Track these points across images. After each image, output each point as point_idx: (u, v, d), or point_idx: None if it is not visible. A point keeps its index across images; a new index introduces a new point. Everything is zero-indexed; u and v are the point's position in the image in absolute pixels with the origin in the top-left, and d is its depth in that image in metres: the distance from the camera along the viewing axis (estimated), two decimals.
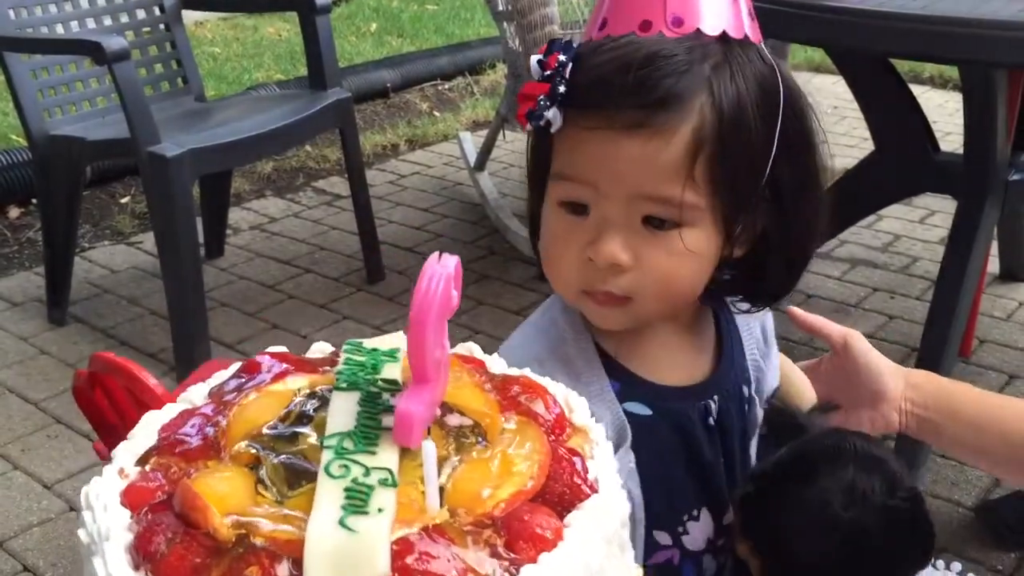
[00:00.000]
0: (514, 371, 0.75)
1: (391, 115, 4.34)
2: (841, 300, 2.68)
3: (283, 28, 5.55)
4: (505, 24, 2.91)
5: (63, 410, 2.27)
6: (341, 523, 0.55)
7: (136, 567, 0.56)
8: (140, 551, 0.57)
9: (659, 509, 0.92)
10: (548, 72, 0.81)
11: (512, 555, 0.57)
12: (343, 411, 0.65)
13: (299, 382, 0.71)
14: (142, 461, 0.65)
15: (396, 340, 0.74)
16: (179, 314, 2.44)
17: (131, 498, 0.61)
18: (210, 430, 0.66)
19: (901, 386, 1.06)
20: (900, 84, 2.16)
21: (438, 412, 0.65)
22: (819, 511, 0.87)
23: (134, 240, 3.20)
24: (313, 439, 0.63)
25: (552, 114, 0.81)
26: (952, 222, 2.04)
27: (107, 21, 2.75)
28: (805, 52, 4.46)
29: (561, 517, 0.60)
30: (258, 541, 0.56)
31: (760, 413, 1.01)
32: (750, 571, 0.95)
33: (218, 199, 3.00)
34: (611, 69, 0.80)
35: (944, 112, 4.02)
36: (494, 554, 0.56)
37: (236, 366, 0.75)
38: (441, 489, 0.60)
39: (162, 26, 2.84)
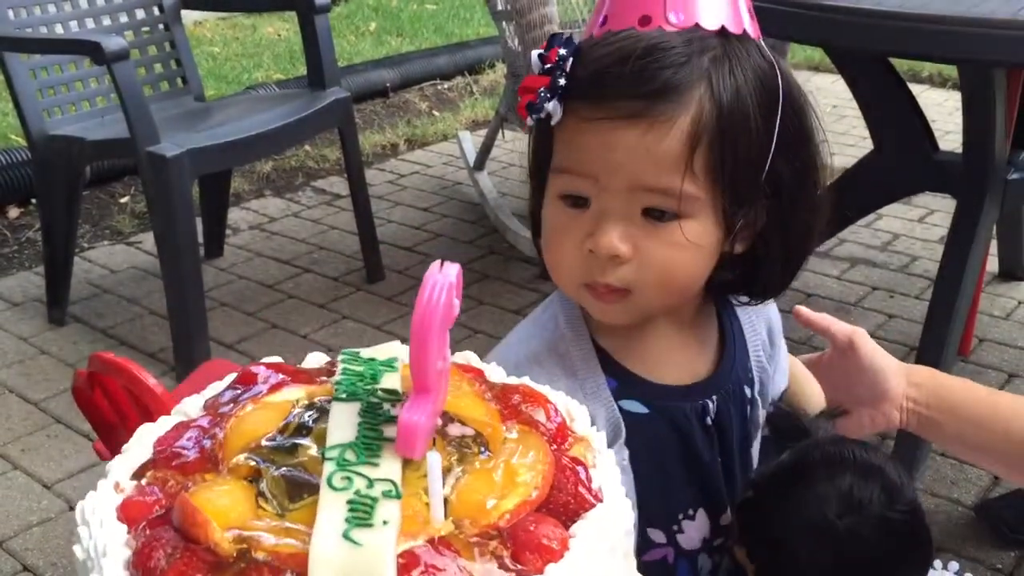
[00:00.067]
0: (513, 380, 0.75)
1: (390, 115, 4.34)
2: (840, 299, 2.68)
3: (282, 28, 5.55)
4: (504, 23, 2.91)
5: (63, 410, 2.27)
6: (345, 536, 0.54)
7: None
8: (139, 567, 0.56)
9: (654, 507, 0.92)
10: (549, 66, 0.82)
11: (519, 566, 0.56)
12: (344, 422, 0.64)
13: (296, 393, 0.70)
14: (138, 475, 0.64)
15: (393, 349, 0.74)
16: (178, 314, 2.44)
17: (128, 513, 0.60)
18: (207, 442, 0.65)
19: (903, 384, 1.06)
20: (899, 83, 2.16)
21: (439, 422, 0.64)
22: (816, 518, 0.87)
23: (134, 240, 3.20)
24: (313, 451, 0.62)
25: (552, 106, 0.82)
26: (951, 221, 2.04)
27: (106, 21, 2.75)
28: (804, 51, 4.46)
29: (566, 527, 0.60)
30: (260, 555, 0.55)
31: (763, 415, 1.01)
32: (746, 573, 0.94)
33: (217, 199, 3.00)
34: (610, 61, 0.81)
35: (943, 111, 4.02)
36: (501, 566, 0.56)
37: (231, 377, 0.74)
38: (445, 500, 0.59)
39: (161, 26, 2.84)
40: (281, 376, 0.72)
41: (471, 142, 3.59)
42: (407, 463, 0.61)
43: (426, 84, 4.65)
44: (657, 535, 0.95)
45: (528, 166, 0.92)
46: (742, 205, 0.84)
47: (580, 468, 0.64)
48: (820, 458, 0.90)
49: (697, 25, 0.82)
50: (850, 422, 1.07)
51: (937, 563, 1.04)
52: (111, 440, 1.28)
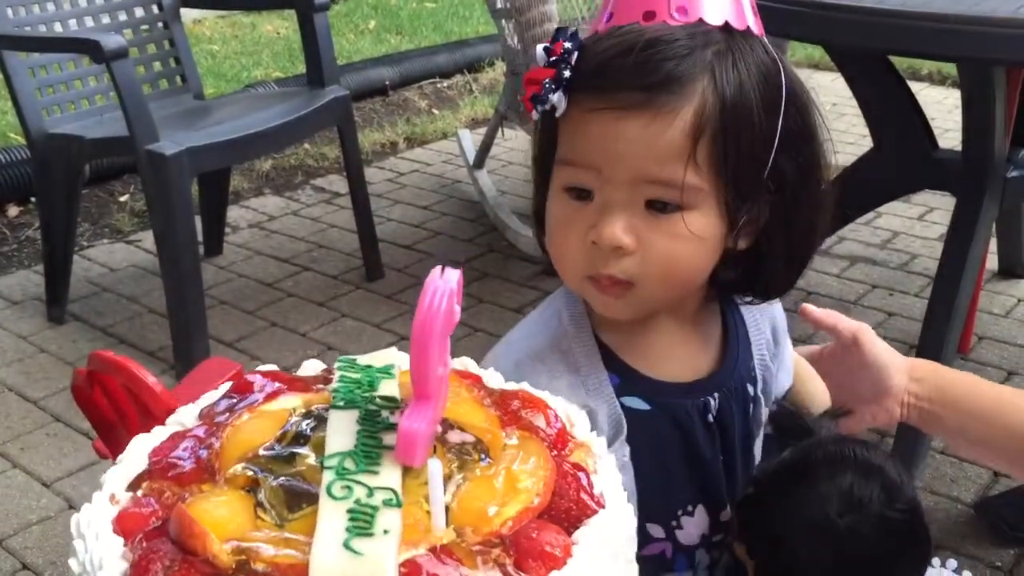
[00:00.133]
0: (512, 385, 0.75)
1: (390, 113, 4.33)
2: (840, 297, 2.69)
3: (281, 26, 5.55)
4: (503, 21, 2.91)
5: (62, 408, 2.27)
6: (346, 546, 0.54)
7: None
8: None
9: (653, 502, 0.92)
10: (554, 58, 0.82)
11: (522, 574, 0.56)
12: (342, 430, 0.63)
13: (293, 401, 0.70)
14: (133, 486, 0.63)
15: (390, 356, 0.73)
16: (178, 312, 2.44)
17: (124, 525, 0.59)
18: (203, 453, 0.64)
19: (905, 380, 1.06)
20: (899, 81, 2.16)
21: (439, 429, 0.64)
22: (816, 516, 0.87)
23: (133, 238, 3.20)
24: (312, 460, 0.62)
25: (557, 98, 0.82)
26: (951, 219, 2.04)
27: (105, 19, 2.74)
28: (804, 49, 4.46)
29: (568, 534, 0.59)
30: (260, 567, 0.55)
31: (765, 413, 1.01)
32: (745, 569, 0.95)
33: (217, 197, 3.00)
34: (614, 53, 0.81)
35: (943, 109, 4.02)
36: (504, 574, 0.56)
37: (226, 386, 0.74)
38: (446, 508, 0.59)
39: (160, 24, 2.84)
40: (277, 384, 0.72)
41: (470, 140, 3.59)
42: (407, 471, 0.60)
43: (425, 82, 4.65)
44: (656, 530, 0.95)
45: (532, 160, 0.92)
46: (745, 200, 0.85)
47: (581, 474, 0.64)
48: (821, 457, 0.90)
49: (701, 20, 0.82)
50: (851, 418, 1.07)
51: (936, 560, 1.04)
52: (110, 439, 1.28)
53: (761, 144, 0.83)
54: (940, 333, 1.96)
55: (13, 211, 3.34)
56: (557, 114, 0.84)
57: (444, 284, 0.61)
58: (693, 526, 0.96)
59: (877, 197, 2.44)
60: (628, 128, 0.81)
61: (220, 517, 0.58)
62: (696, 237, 0.83)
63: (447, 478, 0.61)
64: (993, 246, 2.55)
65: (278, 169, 3.70)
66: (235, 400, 0.71)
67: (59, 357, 2.52)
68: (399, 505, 0.57)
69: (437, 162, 3.82)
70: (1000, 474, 1.99)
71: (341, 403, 0.66)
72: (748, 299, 0.97)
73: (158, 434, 0.69)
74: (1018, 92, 2.01)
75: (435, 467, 0.59)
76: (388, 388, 0.69)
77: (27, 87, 2.52)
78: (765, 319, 1.02)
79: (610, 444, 0.89)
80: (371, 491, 0.58)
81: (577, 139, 0.84)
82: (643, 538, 0.94)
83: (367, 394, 0.67)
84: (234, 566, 0.55)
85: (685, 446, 0.94)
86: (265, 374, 0.74)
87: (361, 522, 0.56)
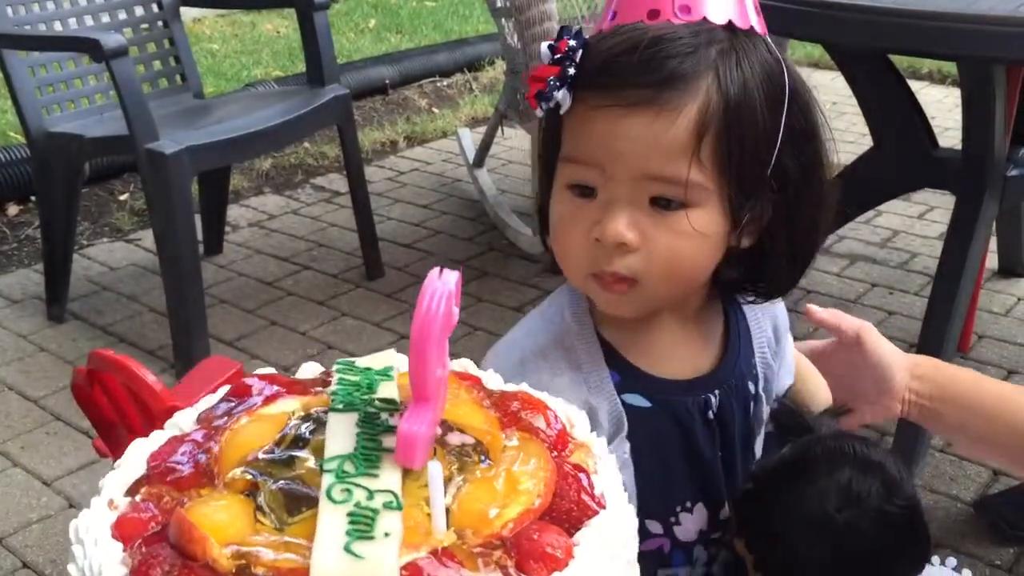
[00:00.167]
0: (511, 387, 0.74)
1: (390, 112, 4.33)
2: (840, 296, 2.69)
3: (281, 25, 5.55)
4: (503, 20, 2.91)
5: (62, 407, 2.27)
6: (347, 549, 0.54)
7: None
8: None
9: (652, 499, 0.92)
10: (558, 56, 0.83)
11: None
12: (341, 433, 0.63)
13: (291, 404, 0.69)
14: (132, 491, 0.63)
15: (388, 358, 0.73)
16: (178, 311, 2.44)
17: (123, 531, 0.59)
18: (202, 457, 0.64)
19: (906, 377, 1.06)
20: (899, 80, 2.16)
21: (438, 431, 0.63)
22: (814, 511, 0.87)
23: (133, 237, 3.20)
24: (311, 463, 0.62)
25: (561, 95, 0.83)
26: (951, 217, 2.04)
27: (105, 18, 2.74)
28: (804, 48, 4.46)
29: (569, 535, 0.59)
30: (260, 571, 0.55)
31: (766, 411, 1.02)
32: (744, 564, 0.95)
33: (217, 196, 3.00)
34: (619, 51, 0.82)
35: (943, 108, 4.02)
36: (506, 575, 0.56)
37: (224, 389, 0.74)
38: (446, 510, 0.59)
39: (160, 23, 2.84)
40: (276, 387, 0.72)
41: (470, 139, 3.59)
42: (407, 473, 0.60)
43: (425, 81, 4.65)
44: (654, 526, 0.95)
45: (536, 158, 0.93)
46: (749, 197, 0.85)
47: (582, 475, 0.64)
48: (820, 453, 0.91)
49: (705, 19, 0.83)
50: (851, 416, 1.07)
51: (935, 559, 1.04)
52: (110, 437, 1.28)
53: (764, 142, 0.84)
54: (940, 332, 1.96)
55: (13, 210, 3.34)
56: (561, 111, 0.84)
57: (442, 286, 0.60)
58: (691, 522, 0.96)
59: (877, 196, 2.44)
60: (632, 125, 0.81)
61: (219, 521, 0.57)
62: (700, 234, 0.84)
63: (447, 480, 0.60)
64: (993, 245, 2.55)
65: (278, 168, 3.70)
66: (233, 404, 0.70)
67: (59, 356, 2.52)
68: (399, 508, 0.57)
69: (437, 161, 3.82)
70: (1000, 472, 1.99)
71: (340, 406, 0.66)
72: (751, 298, 0.97)
73: (156, 438, 0.68)
74: (1018, 90, 2.01)
75: (435, 469, 0.59)
76: (387, 390, 0.68)
77: (27, 86, 2.52)
78: (767, 317, 1.02)
79: (610, 441, 0.90)
80: (371, 494, 0.58)
81: (581, 136, 0.84)
82: (641, 534, 0.93)
83: (366, 396, 0.67)
84: (234, 570, 0.54)
85: (685, 443, 0.94)
86: (263, 377, 0.73)
87: (362, 525, 0.55)
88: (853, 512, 0.86)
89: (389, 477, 0.59)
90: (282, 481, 0.60)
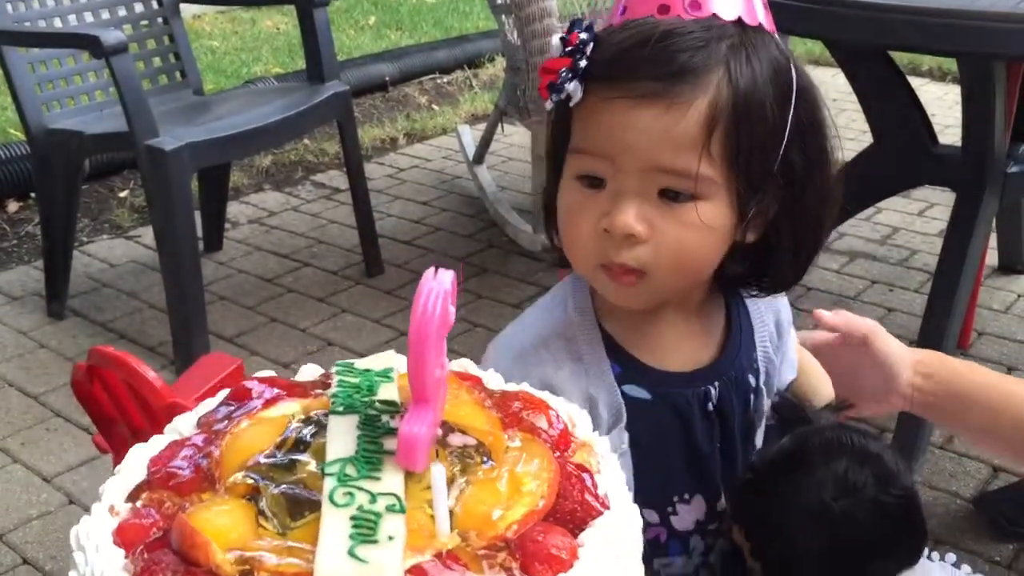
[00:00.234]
0: (512, 386, 0.74)
1: (390, 109, 4.33)
2: (840, 293, 2.69)
3: (281, 21, 5.54)
4: (503, 17, 2.91)
5: (62, 404, 2.27)
6: (351, 553, 0.53)
7: None
8: None
9: (650, 489, 0.93)
10: (570, 48, 0.84)
11: None
12: (342, 436, 0.63)
13: (291, 407, 0.69)
14: (132, 497, 0.62)
15: (388, 359, 0.73)
16: (178, 308, 2.44)
17: (124, 537, 0.58)
18: (202, 461, 0.64)
19: (911, 375, 1.07)
20: (899, 77, 2.16)
21: (439, 432, 0.63)
22: (811, 500, 0.88)
23: (133, 234, 3.20)
24: (312, 466, 0.61)
25: (572, 87, 0.83)
26: (950, 214, 2.04)
27: (105, 15, 2.74)
28: (804, 44, 4.46)
29: (573, 535, 0.59)
30: None
31: (767, 404, 1.02)
32: (742, 554, 0.95)
33: (217, 193, 3.00)
34: (630, 44, 0.83)
35: (943, 105, 4.02)
36: None
37: (224, 393, 0.73)
38: (450, 512, 0.58)
39: (160, 20, 2.84)
40: (275, 390, 0.71)
41: (470, 136, 3.59)
42: (409, 475, 0.60)
43: (425, 78, 4.64)
44: (651, 515, 0.96)
45: (545, 149, 0.94)
46: (756, 191, 0.86)
47: (585, 475, 0.63)
48: (818, 443, 0.92)
49: (715, 15, 0.84)
50: (852, 411, 1.07)
51: (935, 555, 1.04)
52: (110, 433, 1.28)
53: (772, 138, 0.85)
54: (940, 329, 1.96)
55: (13, 207, 3.34)
56: (572, 103, 0.85)
57: (438, 286, 0.60)
58: (688, 513, 0.97)
59: (877, 192, 2.44)
60: (642, 117, 0.82)
61: (222, 526, 0.57)
62: (707, 227, 0.84)
63: (449, 482, 0.60)
64: (993, 242, 2.55)
65: (278, 165, 3.70)
66: (233, 407, 0.70)
67: (59, 353, 2.52)
68: (402, 511, 0.57)
69: (437, 158, 3.82)
70: (999, 469, 1.99)
71: (340, 408, 0.66)
72: (754, 292, 0.98)
73: (156, 443, 0.68)
74: (1018, 87, 2.01)
75: (438, 472, 0.58)
76: (387, 392, 0.68)
77: (27, 82, 2.52)
78: (769, 311, 1.03)
79: (609, 431, 0.91)
80: (374, 497, 0.57)
81: (591, 128, 0.85)
82: None
83: (366, 399, 0.67)
84: None
85: (684, 435, 0.95)
86: (263, 380, 0.73)
87: (365, 529, 0.55)
88: (849, 502, 0.87)
89: (391, 480, 0.59)
90: (284, 485, 0.60)
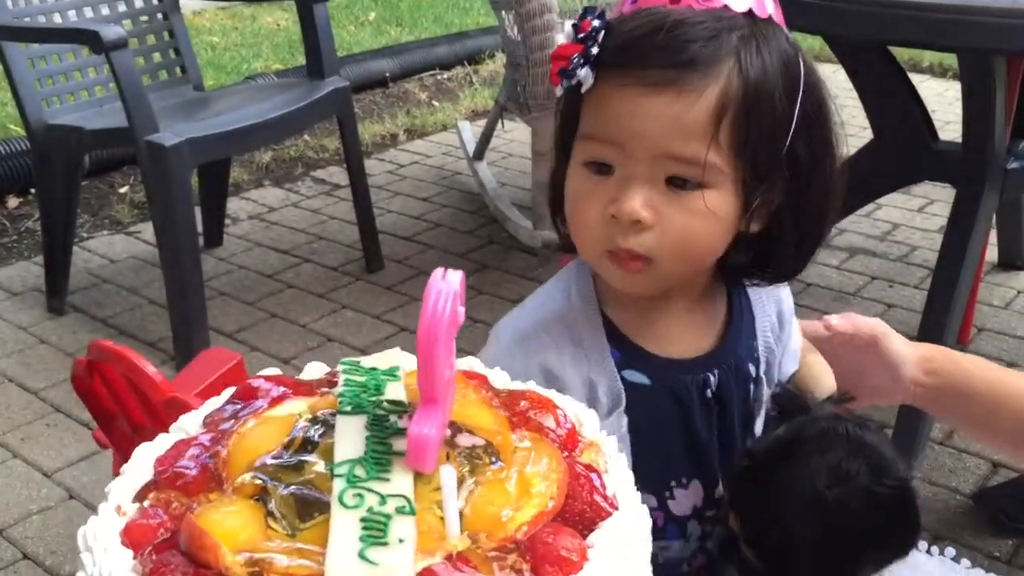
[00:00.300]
0: (518, 385, 0.74)
1: (390, 105, 4.33)
2: (840, 289, 2.69)
3: (281, 17, 5.54)
4: (503, 13, 2.90)
5: (62, 399, 2.27)
6: (361, 556, 0.53)
7: None
8: None
9: (648, 473, 0.93)
10: (581, 35, 0.84)
11: None
12: (351, 436, 0.62)
13: (298, 406, 0.69)
14: (140, 497, 0.62)
15: (394, 357, 0.73)
16: (178, 303, 2.44)
17: (132, 537, 0.58)
18: (209, 461, 0.63)
19: (916, 372, 1.07)
20: (899, 73, 2.16)
21: (448, 432, 0.63)
22: (805, 489, 0.88)
23: (133, 230, 3.20)
24: (320, 467, 0.61)
25: (584, 73, 0.84)
26: (951, 210, 2.04)
27: (104, 10, 2.74)
28: (805, 40, 4.45)
29: (583, 536, 0.59)
30: None
31: (767, 393, 1.03)
32: (739, 540, 0.96)
33: (217, 188, 3.00)
34: (641, 32, 0.83)
35: (943, 101, 4.01)
36: None
37: (229, 391, 0.73)
38: (460, 513, 0.58)
39: (160, 15, 2.84)
40: (282, 388, 0.71)
41: (471, 132, 3.59)
42: (418, 476, 0.60)
43: (425, 74, 4.64)
44: (648, 499, 0.97)
45: (553, 136, 0.95)
46: (761, 181, 0.87)
47: (594, 475, 0.63)
48: (814, 433, 0.92)
49: (725, 7, 0.85)
50: (853, 404, 1.08)
51: (934, 549, 1.04)
52: (110, 428, 1.28)
53: (780, 128, 0.86)
54: (939, 324, 1.96)
55: (13, 202, 3.34)
56: (583, 89, 0.85)
57: (447, 286, 0.60)
58: (686, 498, 0.98)
59: (877, 188, 2.44)
60: (653, 105, 0.82)
61: (231, 528, 0.57)
62: (713, 215, 0.85)
63: (459, 483, 0.60)
64: (993, 238, 2.55)
65: (278, 161, 3.70)
66: (239, 406, 0.70)
67: (59, 348, 2.52)
68: (412, 512, 0.57)
69: (437, 154, 3.82)
70: (999, 464, 2.00)
71: (348, 408, 0.65)
72: (756, 282, 0.99)
73: (162, 442, 0.68)
74: (1018, 83, 2.01)
75: (448, 474, 0.58)
76: (394, 391, 0.68)
77: (27, 78, 2.51)
78: (771, 302, 1.03)
79: (608, 415, 0.92)
80: (383, 499, 0.57)
81: (601, 114, 0.86)
82: None
83: (374, 398, 0.67)
84: None
85: (683, 421, 0.96)
86: (268, 378, 0.73)
87: (375, 531, 0.55)
88: (842, 490, 0.88)
89: (401, 481, 0.59)
90: (292, 486, 0.59)
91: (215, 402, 0.72)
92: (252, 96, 2.80)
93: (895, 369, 1.07)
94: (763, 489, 0.92)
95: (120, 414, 1.24)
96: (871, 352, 1.08)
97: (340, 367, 0.72)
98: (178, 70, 2.86)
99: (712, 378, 0.96)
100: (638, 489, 0.64)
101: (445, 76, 4.66)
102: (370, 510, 0.56)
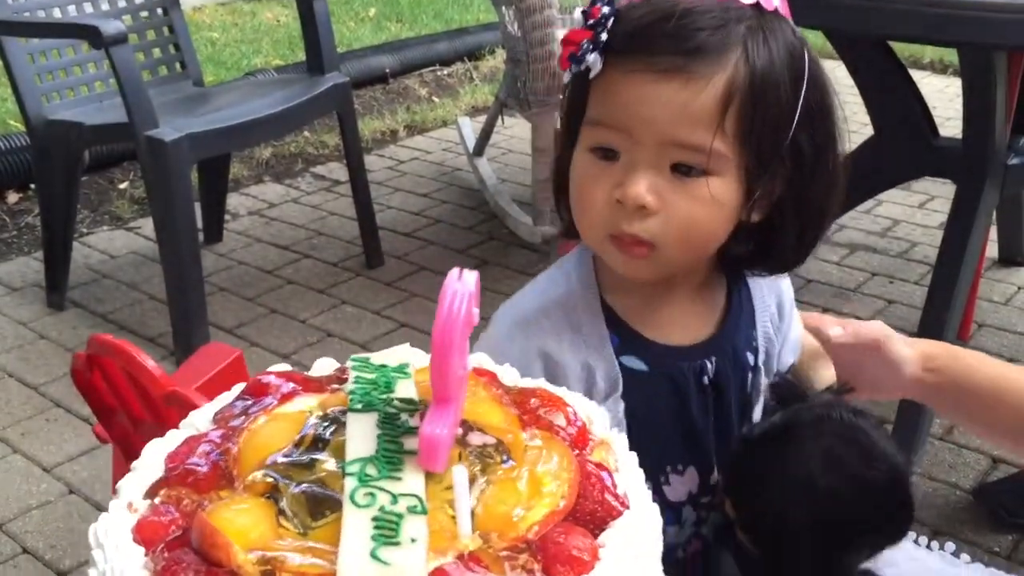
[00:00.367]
0: (528, 382, 0.74)
1: (390, 101, 4.33)
2: (840, 285, 2.68)
3: (281, 13, 5.54)
4: (504, 9, 2.90)
5: (62, 394, 2.27)
6: (373, 555, 0.53)
7: None
8: None
9: (643, 458, 0.94)
10: (591, 22, 0.85)
11: None
12: (362, 435, 0.62)
13: (308, 403, 0.68)
14: (151, 494, 0.62)
15: (403, 354, 0.72)
16: (178, 299, 2.44)
17: (144, 534, 0.58)
18: (220, 458, 0.63)
19: (918, 371, 1.07)
20: (900, 69, 2.16)
21: (459, 431, 0.63)
22: (798, 475, 0.89)
23: (133, 225, 3.20)
24: (331, 465, 0.61)
25: (593, 58, 0.85)
26: (951, 206, 2.04)
27: (104, 5, 2.74)
28: (806, 36, 4.46)
29: (594, 536, 0.59)
30: None
31: (764, 383, 1.03)
32: (734, 526, 0.96)
33: (216, 184, 3.00)
34: (651, 20, 0.84)
35: (944, 97, 4.01)
36: None
37: (240, 387, 0.72)
38: (471, 513, 0.58)
39: (160, 10, 2.83)
40: (292, 385, 0.71)
41: (471, 128, 3.59)
42: (430, 475, 0.59)
43: (426, 70, 4.64)
44: None
45: (560, 121, 0.95)
46: (764, 171, 0.87)
47: (605, 474, 0.63)
48: (808, 419, 0.93)
49: None
50: (853, 395, 1.08)
51: (934, 544, 1.04)
52: (110, 423, 1.28)
53: (784, 119, 0.86)
54: (940, 321, 1.96)
55: (13, 198, 3.33)
56: (591, 75, 0.86)
57: (463, 287, 0.60)
58: (681, 484, 0.99)
59: (877, 185, 2.44)
60: (661, 92, 0.83)
61: (242, 526, 0.56)
62: (716, 202, 0.86)
63: (470, 482, 0.60)
64: (993, 234, 2.55)
65: (278, 156, 3.70)
66: (250, 402, 0.69)
67: (59, 343, 2.52)
68: (424, 512, 0.57)
69: (437, 150, 3.81)
70: (999, 460, 2.00)
71: (359, 406, 0.65)
72: (756, 272, 1.00)
73: (172, 438, 0.67)
74: (1019, 78, 2.01)
75: (461, 474, 0.58)
76: (405, 389, 0.68)
77: (26, 73, 2.51)
78: (771, 293, 1.04)
79: (605, 400, 0.93)
80: (395, 498, 0.57)
81: (608, 100, 0.86)
82: None
83: (384, 396, 0.66)
84: None
85: (680, 407, 0.97)
86: (279, 374, 0.72)
87: (387, 530, 0.55)
88: (834, 476, 0.88)
89: (412, 480, 0.59)
90: (304, 484, 0.59)
91: (225, 398, 0.72)
92: (252, 92, 2.80)
93: (896, 369, 1.07)
94: (757, 475, 0.93)
95: (120, 408, 1.24)
96: (873, 354, 1.08)
97: (350, 364, 0.71)
98: (178, 66, 2.85)
99: (709, 365, 0.97)
100: None
101: (445, 72, 4.66)
102: (382, 509, 0.56)
